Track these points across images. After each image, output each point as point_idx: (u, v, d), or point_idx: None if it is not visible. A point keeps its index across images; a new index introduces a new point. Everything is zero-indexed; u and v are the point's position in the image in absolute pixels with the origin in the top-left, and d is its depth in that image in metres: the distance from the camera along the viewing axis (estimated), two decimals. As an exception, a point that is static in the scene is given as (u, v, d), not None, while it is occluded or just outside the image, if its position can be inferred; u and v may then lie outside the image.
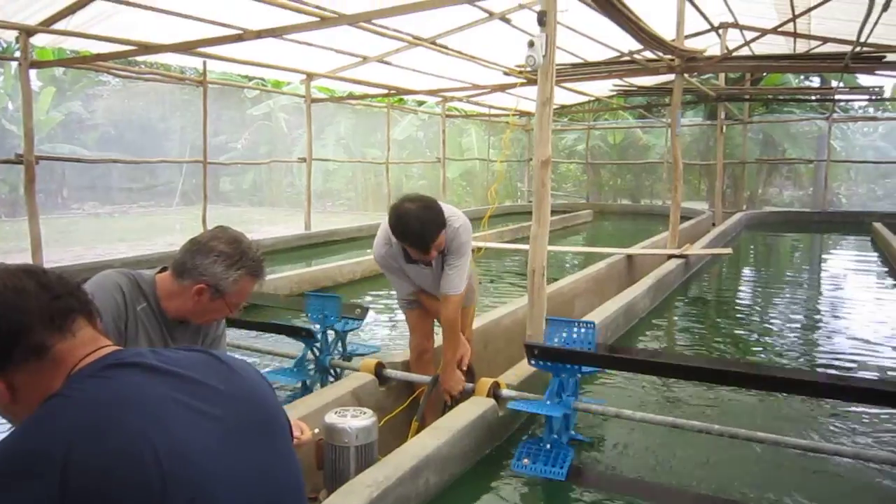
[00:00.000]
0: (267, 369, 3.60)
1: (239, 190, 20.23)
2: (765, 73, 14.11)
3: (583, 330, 2.83)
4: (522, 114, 15.39)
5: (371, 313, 3.87)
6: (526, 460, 2.64)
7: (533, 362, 2.82)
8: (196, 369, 1.06)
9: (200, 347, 1.16)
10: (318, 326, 3.40)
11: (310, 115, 10.35)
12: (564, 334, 2.85)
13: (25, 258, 6.65)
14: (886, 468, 2.66)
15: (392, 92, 11.32)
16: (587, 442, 2.98)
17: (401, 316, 5.33)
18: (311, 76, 10.01)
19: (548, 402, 2.75)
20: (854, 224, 13.44)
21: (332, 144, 17.86)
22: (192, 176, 17.21)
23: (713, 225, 12.19)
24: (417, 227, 2.76)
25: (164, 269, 2.02)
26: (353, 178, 19.57)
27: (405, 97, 13.59)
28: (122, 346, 1.89)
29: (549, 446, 2.69)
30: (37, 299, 1.00)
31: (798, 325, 5.57)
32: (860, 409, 3.39)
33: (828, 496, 2.59)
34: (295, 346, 3.53)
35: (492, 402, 2.91)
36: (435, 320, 3.31)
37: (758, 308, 6.37)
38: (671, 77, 7.84)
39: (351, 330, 3.54)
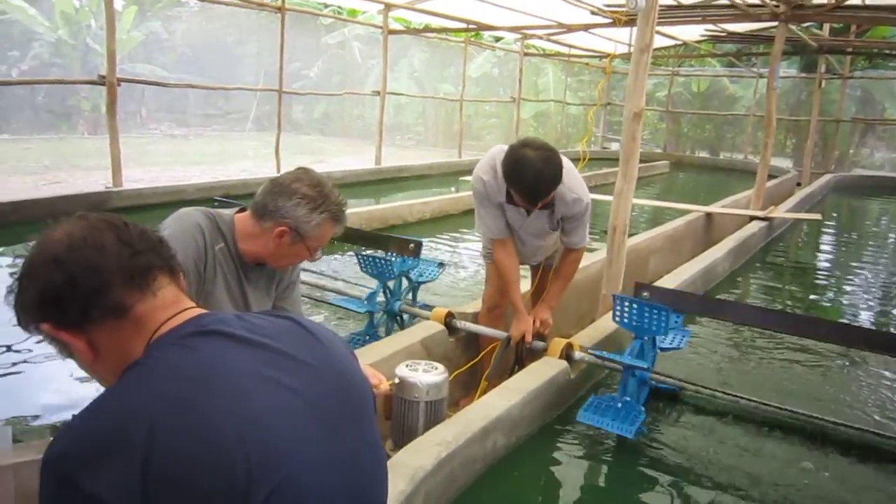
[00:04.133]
0: (335, 297, 3.56)
1: (310, 119, 20.29)
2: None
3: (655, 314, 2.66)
4: (607, 57, 14.73)
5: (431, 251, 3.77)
6: (594, 413, 2.54)
7: (617, 316, 2.69)
8: (283, 339, 0.98)
9: (287, 314, 1.08)
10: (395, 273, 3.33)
11: (386, 47, 10.15)
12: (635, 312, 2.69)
13: (106, 176, 6.82)
14: None
15: (471, 27, 10.96)
16: (672, 390, 2.87)
17: (470, 264, 5.24)
18: (388, 6, 9.76)
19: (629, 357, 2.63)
20: (953, 194, 12.55)
21: (404, 77, 17.61)
22: (265, 103, 17.34)
23: (798, 185, 11.55)
24: (532, 178, 2.57)
25: (242, 210, 1.96)
26: (424, 112, 19.35)
27: (483, 32, 13.17)
28: (200, 287, 1.88)
29: (620, 405, 2.59)
30: (117, 256, 0.92)
31: (885, 299, 5.23)
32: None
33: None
34: (369, 283, 3.49)
35: (564, 363, 2.81)
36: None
37: (845, 278, 6.01)
38: (770, 24, 7.28)
39: (427, 281, 3.47)
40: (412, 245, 3.31)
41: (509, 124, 14.07)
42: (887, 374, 3.48)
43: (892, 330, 4.52)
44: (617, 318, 2.70)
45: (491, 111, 18.35)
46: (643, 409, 2.60)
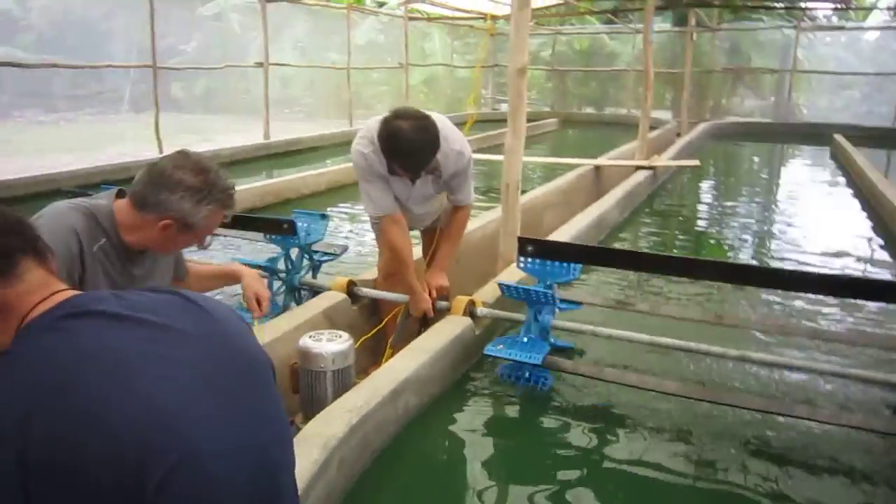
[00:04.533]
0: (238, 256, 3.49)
1: (191, 97, 19.30)
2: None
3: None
4: (489, 18, 14.81)
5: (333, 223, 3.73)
6: (501, 346, 2.65)
7: (522, 262, 2.79)
8: (164, 313, 0.93)
9: (168, 288, 1.02)
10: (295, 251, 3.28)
11: (265, 16, 9.78)
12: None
13: (-34, 170, 6.27)
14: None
15: (352, -8, 10.73)
16: (569, 348, 2.98)
17: (370, 232, 5.19)
18: (265, -27, 9.39)
19: (525, 338, 2.72)
20: (814, 135, 13.53)
21: (288, 49, 17.03)
22: (140, 82, 16.35)
23: (678, 135, 12.15)
24: (409, 149, 2.55)
25: (121, 193, 1.84)
26: (311, 84, 18.84)
27: (365, -2, 12.93)
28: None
29: (525, 339, 2.70)
30: None
31: (764, 234, 5.64)
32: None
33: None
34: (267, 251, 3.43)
35: (468, 320, 2.86)
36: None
37: (724, 218, 6.40)
38: (644, -20, 7.55)
39: (326, 261, 3.42)
40: (286, 225, 3.21)
41: (399, 91, 13.96)
42: (772, 297, 3.75)
43: (768, 263, 4.86)
44: (521, 262, 2.82)
45: (380, 79, 18.09)
46: (546, 343, 2.70)
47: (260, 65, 10.07)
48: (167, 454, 0.79)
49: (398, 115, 2.59)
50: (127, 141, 11.12)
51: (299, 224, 3.21)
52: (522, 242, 2.80)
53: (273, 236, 3.26)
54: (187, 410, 0.85)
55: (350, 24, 12.39)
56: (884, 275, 4.43)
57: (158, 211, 1.72)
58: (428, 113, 2.66)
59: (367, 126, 2.79)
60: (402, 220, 2.92)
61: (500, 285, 2.79)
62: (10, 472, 0.72)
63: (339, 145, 10.86)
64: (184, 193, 1.70)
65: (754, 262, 4.71)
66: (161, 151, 8.50)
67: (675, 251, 5.10)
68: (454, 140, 2.79)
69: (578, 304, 3.12)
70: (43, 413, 0.75)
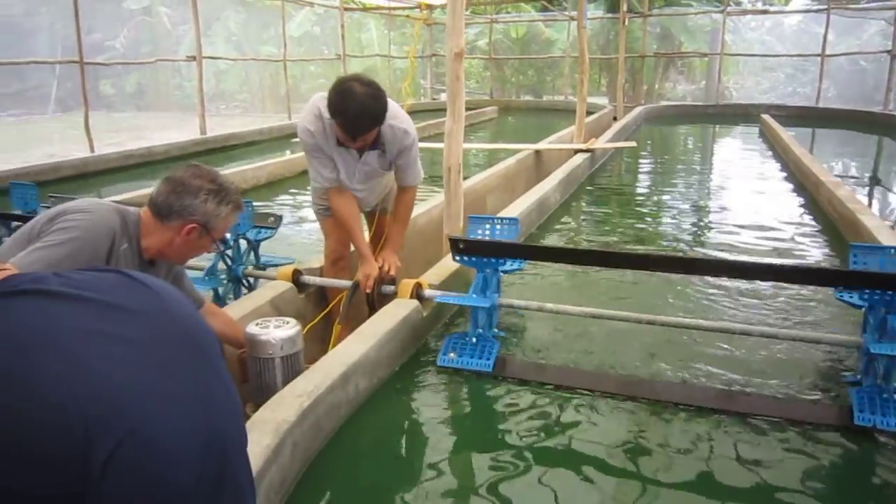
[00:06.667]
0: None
1: (122, 94, 18.72)
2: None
3: (505, 226, 2.81)
4: (425, 7, 14.81)
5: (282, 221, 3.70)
6: (452, 354, 2.66)
7: (458, 258, 2.79)
8: (109, 291, 0.92)
9: (112, 267, 1.01)
10: (228, 235, 3.22)
11: (196, 8, 9.54)
12: (487, 231, 2.82)
13: None
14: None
15: (285, -17, 10.57)
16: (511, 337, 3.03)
17: (314, 221, 5.15)
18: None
19: (474, 296, 2.74)
20: (743, 116, 14.04)
21: (221, 42, 16.69)
22: (67, 79, 15.75)
23: (614, 119, 12.40)
24: (356, 110, 2.59)
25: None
26: (247, 78, 18.51)
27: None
28: None
29: (474, 340, 2.70)
30: None
31: (699, 209, 5.83)
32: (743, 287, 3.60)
33: (726, 363, 2.75)
34: (205, 259, 3.35)
35: (415, 303, 2.88)
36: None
37: (662, 197, 6.58)
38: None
39: (264, 239, 3.37)
40: (272, 218, 3.26)
41: (338, 83, 13.79)
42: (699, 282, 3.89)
43: (704, 239, 5.03)
44: (457, 258, 2.81)
45: (317, 71, 17.89)
46: (495, 339, 2.73)
47: (193, 58, 9.84)
48: (114, 429, 0.78)
49: (355, 78, 2.66)
50: (55, 142, 10.73)
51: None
52: (454, 242, 2.78)
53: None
54: (134, 387, 0.84)
55: (285, 15, 12.19)
56: (811, 250, 4.62)
57: (183, 216, 1.92)
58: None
59: (312, 101, 2.84)
60: (348, 192, 2.98)
61: (451, 240, 2.80)
62: None
63: (279, 139, 10.71)
64: (206, 196, 1.92)
65: (679, 254, 4.79)
66: (92, 151, 8.23)
67: (615, 231, 5.22)
68: (401, 119, 2.85)
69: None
70: None
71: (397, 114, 2.82)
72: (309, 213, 5.60)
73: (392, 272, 3.01)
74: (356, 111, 2.60)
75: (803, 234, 5.01)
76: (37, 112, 16.40)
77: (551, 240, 4.84)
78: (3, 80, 15.86)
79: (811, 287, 3.47)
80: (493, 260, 2.76)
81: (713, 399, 2.43)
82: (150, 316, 0.94)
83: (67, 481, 0.76)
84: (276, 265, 3.38)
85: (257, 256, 3.37)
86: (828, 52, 14.59)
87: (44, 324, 0.84)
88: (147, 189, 4.85)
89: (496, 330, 2.90)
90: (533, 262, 3.44)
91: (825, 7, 14.69)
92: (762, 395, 2.46)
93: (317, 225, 3.40)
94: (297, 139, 2.92)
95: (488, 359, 2.62)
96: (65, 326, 0.85)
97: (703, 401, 2.41)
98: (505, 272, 2.90)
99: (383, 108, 2.67)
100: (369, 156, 2.88)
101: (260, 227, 3.33)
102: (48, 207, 3.64)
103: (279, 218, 3.37)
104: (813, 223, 5.30)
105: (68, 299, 0.88)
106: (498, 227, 2.83)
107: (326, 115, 2.72)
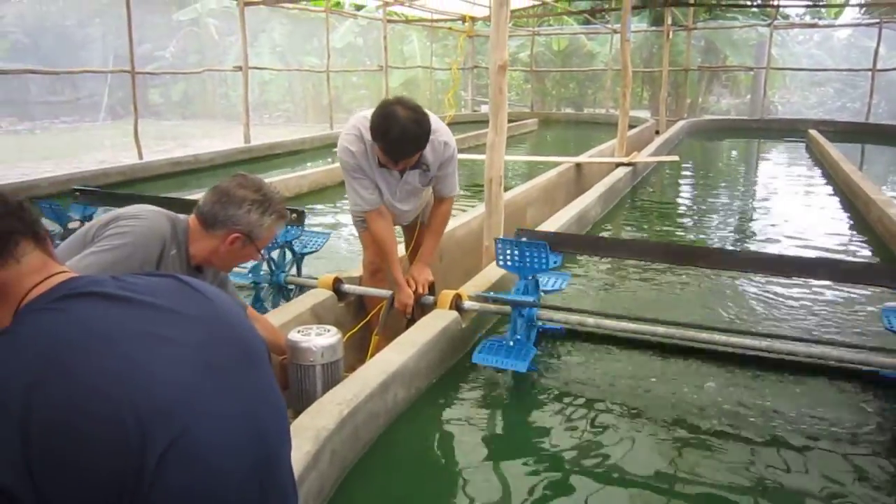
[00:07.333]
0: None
1: (169, 102, 19.20)
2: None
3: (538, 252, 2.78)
4: (467, 19, 14.90)
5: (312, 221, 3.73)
6: (488, 353, 2.64)
7: (501, 263, 2.81)
8: (165, 296, 0.95)
9: (167, 272, 1.04)
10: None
11: (243, 19, 9.75)
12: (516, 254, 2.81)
13: (-59, 178, 6.19)
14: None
15: (330, -5, 10.73)
16: (558, 331, 3.00)
17: (354, 231, 5.21)
18: (241, -23, 9.37)
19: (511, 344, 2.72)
20: (790, 131, 13.75)
21: (266, 53, 17.01)
22: (117, 88, 16.23)
23: (657, 133, 12.27)
24: (397, 134, 2.56)
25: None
26: (290, 88, 18.82)
27: (344, 1, 12.92)
28: None
29: (511, 343, 2.68)
30: None
31: (743, 225, 5.72)
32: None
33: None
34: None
35: (454, 314, 2.88)
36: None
37: (704, 211, 6.47)
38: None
39: (312, 252, 3.41)
40: (294, 214, 3.21)
41: (379, 94, 13.95)
42: (751, 288, 3.81)
43: (750, 248, 4.93)
44: (500, 262, 2.80)
45: (359, 82, 18.11)
46: (533, 347, 2.71)
47: (239, 69, 10.04)
48: (169, 428, 0.80)
49: (399, 101, 2.63)
50: (105, 149, 11.04)
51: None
52: (519, 232, 2.83)
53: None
54: (187, 388, 0.86)
55: (328, 27, 12.38)
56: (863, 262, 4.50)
57: (227, 226, 1.95)
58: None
59: (352, 122, 2.81)
60: (388, 214, 2.96)
61: (496, 241, 2.82)
62: (13, 444, 0.73)
63: (321, 149, 10.85)
64: (250, 207, 1.95)
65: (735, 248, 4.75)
66: (141, 158, 8.45)
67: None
68: (442, 132, 2.84)
69: (567, 274, 3.13)
70: (45, 385, 0.76)
71: (437, 127, 2.80)
72: (349, 223, 5.66)
73: (422, 292, 3.00)
74: (398, 135, 2.57)
75: (853, 253, 4.87)
76: (89, 119, 16.92)
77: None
78: (57, 88, 16.42)
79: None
80: (535, 265, 2.75)
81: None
82: (201, 320, 0.97)
83: (120, 482, 0.77)
84: (310, 252, 3.44)
85: (300, 269, 3.41)
86: (879, 66, 14.22)
87: (101, 325, 0.86)
88: (194, 195, 4.95)
89: (541, 323, 2.90)
90: (573, 281, 3.41)
91: (877, 21, 14.34)
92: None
93: (356, 236, 3.42)
94: (337, 149, 2.93)
95: (524, 360, 2.58)
96: (119, 328, 0.87)
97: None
98: (547, 292, 2.88)
99: (426, 133, 2.64)
100: (410, 175, 2.87)
101: (307, 240, 3.37)
102: (79, 205, 3.78)
103: (302, 214, 3.29)
104: (863, 242, 5.15)
105: (125, 302, 0.91)
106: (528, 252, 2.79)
107: (368, 136, 2.69)
